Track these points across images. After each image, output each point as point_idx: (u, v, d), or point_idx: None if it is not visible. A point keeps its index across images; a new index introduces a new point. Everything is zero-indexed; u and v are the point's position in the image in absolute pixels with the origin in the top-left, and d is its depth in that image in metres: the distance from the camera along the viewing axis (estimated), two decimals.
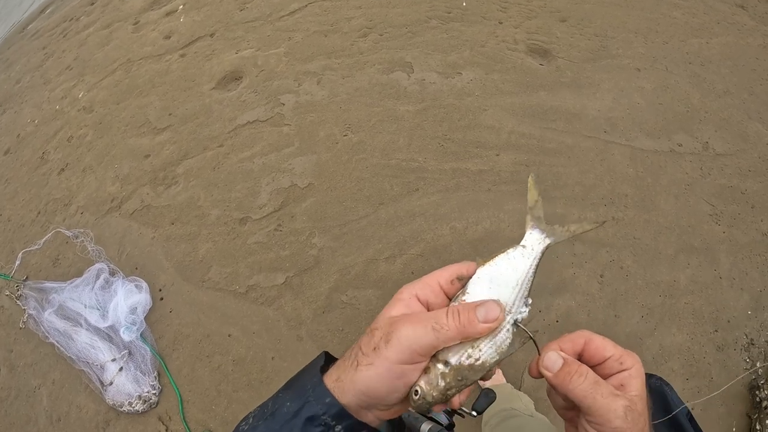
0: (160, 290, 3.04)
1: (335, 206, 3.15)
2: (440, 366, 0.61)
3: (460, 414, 0.75)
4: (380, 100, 3.60)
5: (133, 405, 2.67)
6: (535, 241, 0.70)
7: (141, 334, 2.85)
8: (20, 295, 3.13)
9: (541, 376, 0.64)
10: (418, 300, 0.64)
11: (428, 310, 0.64)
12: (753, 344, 2.74)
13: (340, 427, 0.60)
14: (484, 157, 3.29)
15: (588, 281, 2.84)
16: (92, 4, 6.03)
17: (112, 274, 3.09)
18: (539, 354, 0.64)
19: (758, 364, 2.64)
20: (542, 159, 3.30)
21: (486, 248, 2.92)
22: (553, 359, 0.62)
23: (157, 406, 2.71)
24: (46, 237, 3.39)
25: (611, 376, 0.62)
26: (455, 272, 0.66)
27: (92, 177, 3.68)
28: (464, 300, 0.64)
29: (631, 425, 0.58)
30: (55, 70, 4.92)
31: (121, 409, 2.67)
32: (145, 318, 2.92)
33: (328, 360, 0.70)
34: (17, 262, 3.33)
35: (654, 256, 2.95)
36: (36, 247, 3.36)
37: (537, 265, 0.68)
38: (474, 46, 3.95)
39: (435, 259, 2.87)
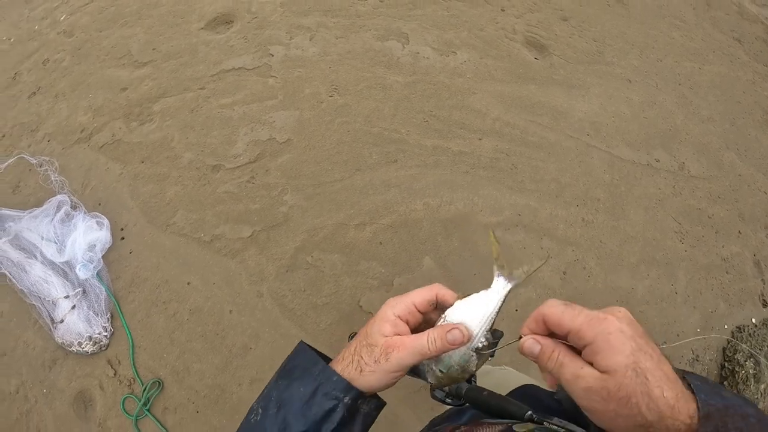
0: (122, 229, 2.95)
1: (311, 166, 3.09)
2: (436, 371, 0.84)
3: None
4: (371, 67, 3.53)
5: (82, 345, 2.60)
6: (500, 287, 0.86)
7: (97, 273, 2.77)
8: None
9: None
10: (400, 319, 0.82)
11: (409, 325, 0.83)
12: (698, 360, 2.86)
13: (348, 398, 0.78)
14: (467, 139, 3.27)
15: (551, 276, 2.87)
16: None
17: (74, 207, 2.97)
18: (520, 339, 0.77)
19: None
20: (523, 150, 3.30)
21: (456, 228, 2.91)
22: (529, 345, 0.73)
23: (107, 349, 2.64)
24: (9, 162, 3.23)
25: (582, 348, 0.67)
26: (429, 297, 0.84)
27: (64, 104, 3.52)
28: (441, 323, 0.83)
29: (600, 405, 0.64)
30: None
31: (70, 349, 2.60)
32: (104, 257, 2.83)
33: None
34: None
35: (617, 262, 3.00)
36: None
37: (501, 305, 0.84)
38: (472, 29, 3.90)
39: (405, 232, 2.86)
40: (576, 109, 3.60)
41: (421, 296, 0.83)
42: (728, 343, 2.92)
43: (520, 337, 0.76)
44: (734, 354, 2.86)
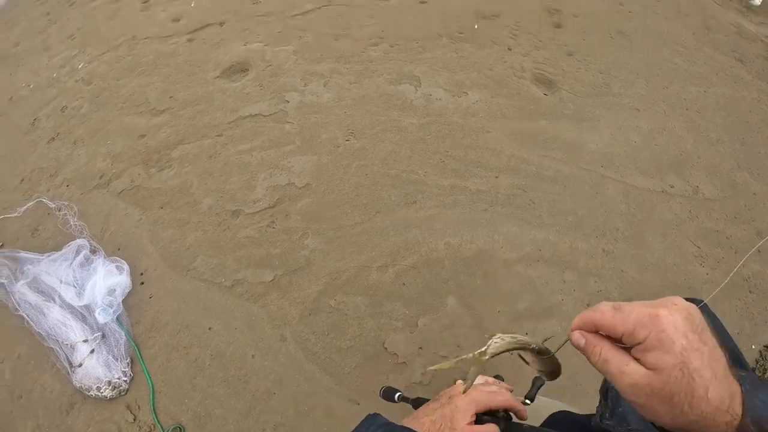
0: (142, 274, 2.95)
1: (331, 209, 3.12)
2: None
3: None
4: (386, 110, 3.60)
5: (101, 390, 2.56)
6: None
7: (117, 318, 2.75)
8: None
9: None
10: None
11: None
12: None
13: None
14: (483, 177, 3.31)
15: (574, 308, 2.86)
16: None
17: (93, 252, 2.98)
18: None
19: None
20: (539, 185, 3.33)
21: (478, 266, 2.92)
22: (576, 338, 0.73)
23: (126, 393, 2.60)
24: (28, 205, 3.27)
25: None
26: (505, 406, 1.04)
27: (83, 150, 3.58)
28: None
29: (643, 400, 0.65)
30: (57, 38, 4.80)
31: (89, 393, 2.56)
32: (123, 301, 2.82)
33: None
34: None
35: (639, 290, 2.99)
36: (16, 214, 3.24)
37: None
38: (482, 69, 4.00)
39: (427, 272, 2.86)
40: (588, 141, 3.65)
41: (497, 403, 1.02)
42: (756, 363, 2.90)
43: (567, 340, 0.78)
44: (764, 373, 2.83)
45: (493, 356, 0.83)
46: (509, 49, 4.23)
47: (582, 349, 0.72)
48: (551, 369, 0.89)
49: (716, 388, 0.61)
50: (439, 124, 3.55)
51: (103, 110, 3.82)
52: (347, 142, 3.42)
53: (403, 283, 2.83)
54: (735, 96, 4.28)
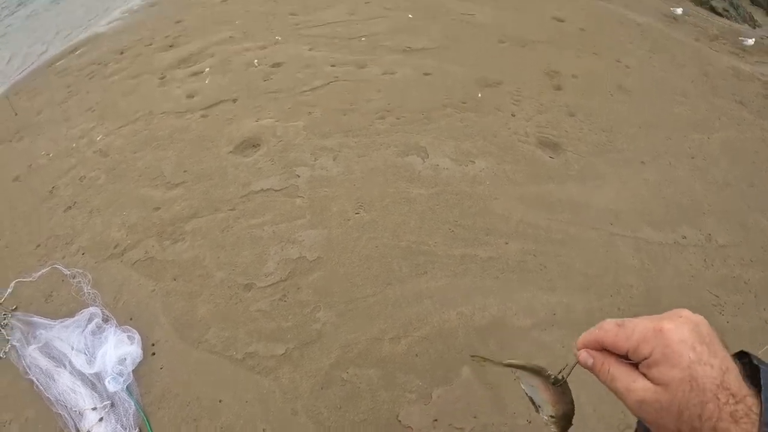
0: (153, 345, 2.96)
1: (342, 282, 3.15)
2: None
3: None
4: (394, 182, 3.70)
5: None
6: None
7: (127, 387, 2.74)
8: (6, 324, 3.03)
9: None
10: None
11: None
12: None
13: None
14: (493, 245, 3.36)
15: None
16: (122, 53, 6.23)
17: (105, 320, 3.01)
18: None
19: None
20: (549, 249, 3.38)
21: (492, 335, 2.90)
22: (583, 358, 0.74)
23: None
24: (43, 271, 3.33)
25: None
26: None
27: (98, 220, 3.67)
28: None
29: (651, 416, 0.64)
30: (76, 109, 5.01)
31: None
32: (134, 371, 2.81)
33: None
34: (8, 290, 3.25)
35: None
36: (30, 278, 3.29)
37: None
38: (487, 136, 4.14)
39: (440, 343, 2.86)
40: (595, 200, 3.72)
41: None
42: None
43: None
44: None
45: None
46: (513, 115, 4.40)
47: (591, 368, 0.73)
48: (564, 411, 0.87)
49: (728, 400, 0.60)
50: (448, 194, 3.64)
51: (119, 182, 3.94)
52: (357, 215, 3.49)
53: (416, 355, 2.82)
54: (739, 138, 4.40)
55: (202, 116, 4.49)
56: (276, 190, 3.69)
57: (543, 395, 0.88)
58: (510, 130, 4.25)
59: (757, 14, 9.48)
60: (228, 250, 3.35)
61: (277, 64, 5.29)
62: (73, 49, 7.65)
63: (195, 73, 5.22)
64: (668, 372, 0.62)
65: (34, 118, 5.12)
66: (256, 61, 5.45)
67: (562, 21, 6.84)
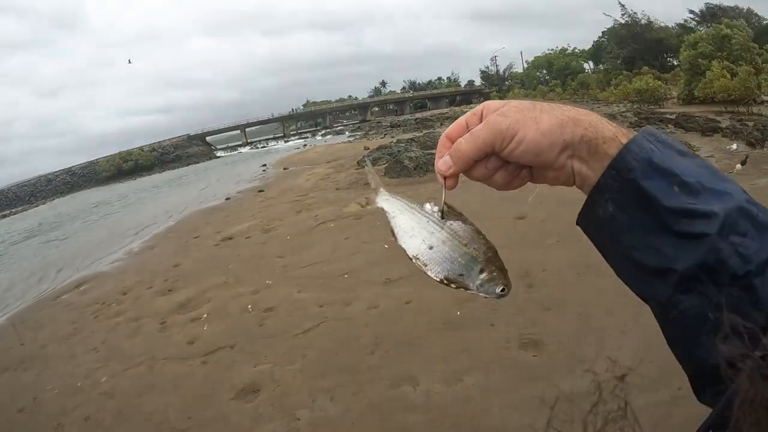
0: None
1: None
2: None
3: None
4: (390, 414, 3.87)
5: None
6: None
7: None
8: None
9: (454, 180, 0.71)
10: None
11: None
12: None
13: None
14: None
15: None
16: (124, 294, 6.74)
17: None
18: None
19: None
20: None
21: None
22: (443, 161, 0.69)
23: None
24: None
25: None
26: None
27: None
28: None
29: (509, 127, 0.63)
30: (81, 347, 5.30)
31: None
32: None
33: None
34: None
35: None
36: None
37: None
38: (471, 352, 4.41)
39: None
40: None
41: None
42: None
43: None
44: None
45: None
46: (492, 325, 4.71)
47: (449, 165, 0.69)
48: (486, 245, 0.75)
49: (557, 114, 0.64)
50: (442, 417, 3.78)
51: (126, 424, 4.08)
52: None
53: None
54: None
55: (203, 362, 4.79)
56: None
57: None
58: (491, 340, 4.53)
59: None
60: None
61: (269, 309, 5.77)
62: (78, 284, 8.21)
63: (194, 319, 5.66)
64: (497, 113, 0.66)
65: (39, 351, 5.37)
66: (249, 306, 5.94)
67: (524, 218, 7.60)
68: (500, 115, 0.64)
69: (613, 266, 0.68)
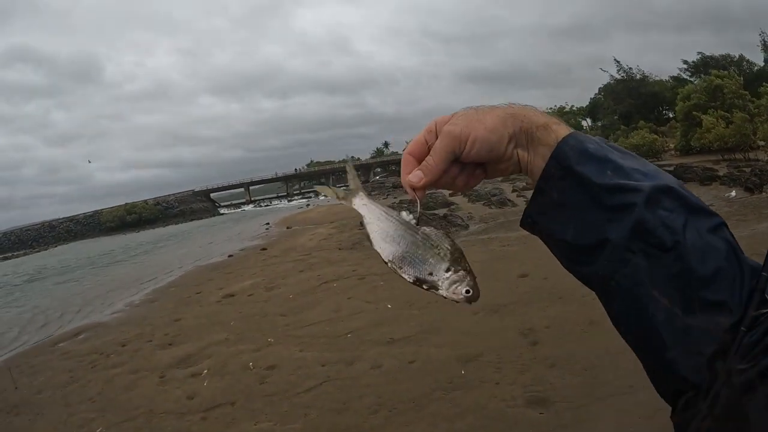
0: None
1: None
2: None
3: None
4: None
5: None
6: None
7: None
8: None
9: (423, 192, 0.77)
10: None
11: None
12: None
13: None
14: None
15: None
16: (123, 345, 6.69)
17: None
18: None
19: None
20: None
21: None
22: (414, 174, 0.75)
23: None
24: None
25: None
26: None
27: None
28: None
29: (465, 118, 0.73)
30: (77, 397, 5.21)
31: None
32: None
33: None
34: None
35: None
36: None
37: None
38: (476, 411, 4.35)
39: None
40: None
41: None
42: None
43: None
44: None
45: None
46: (497, 384, 4.67)
47: (422, 176, 0.75)
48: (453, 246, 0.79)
49: (497, 114, 0.72)
50: None
51: None
52: None
53: None
54: None
55: (202, 418, 4.73)
56: None
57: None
58: (497, 398, 4.48)
59: None
60: None
61: (271, 367, 5.73)
62: (77, 333, 8.15)
63: (194, 374, 5.61)
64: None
65: (33, 396, 5.28)
66: (251, 363, 5.91)
67: (526, 275, 7.65)
68: (452, 125, 0.73)
69: (558, 256, 0.75)
